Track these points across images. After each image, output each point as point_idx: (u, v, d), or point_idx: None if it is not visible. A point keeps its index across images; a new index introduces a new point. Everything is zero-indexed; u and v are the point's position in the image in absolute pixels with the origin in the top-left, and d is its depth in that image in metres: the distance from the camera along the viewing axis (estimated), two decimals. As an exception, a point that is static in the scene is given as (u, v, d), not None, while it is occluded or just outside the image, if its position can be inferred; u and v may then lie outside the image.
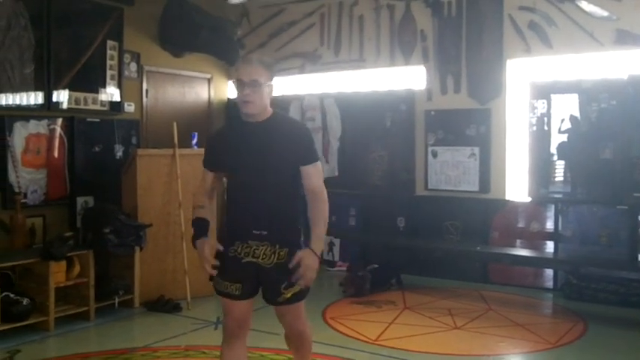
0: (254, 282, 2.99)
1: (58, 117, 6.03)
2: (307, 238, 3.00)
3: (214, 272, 2.97)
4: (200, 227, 3.04)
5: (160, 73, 7.18)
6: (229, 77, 8.07)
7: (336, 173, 7.40)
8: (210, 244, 2.99)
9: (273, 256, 2.95)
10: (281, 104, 7.64)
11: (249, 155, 2.95)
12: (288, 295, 2.95)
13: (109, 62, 6.47)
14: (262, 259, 2.95)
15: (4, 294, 4.76)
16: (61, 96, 6.05)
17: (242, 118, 2.98)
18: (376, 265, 6.38)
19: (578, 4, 6.00)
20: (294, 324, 3.13)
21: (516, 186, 6.44)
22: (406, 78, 7.03)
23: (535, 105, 6.22)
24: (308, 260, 2.89)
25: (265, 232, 2.93)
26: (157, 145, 6.44)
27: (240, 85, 2.90)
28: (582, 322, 5.21)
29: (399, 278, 6.49)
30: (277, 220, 2.95)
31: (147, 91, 7.02)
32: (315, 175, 2.99)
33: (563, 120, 6.08)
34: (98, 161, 6.37)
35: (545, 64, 6.24)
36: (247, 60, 2.99)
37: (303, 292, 2.99)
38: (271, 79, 2.97)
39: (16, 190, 5.60)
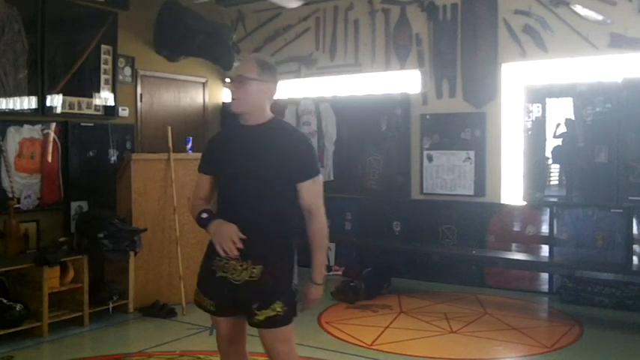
0: (229, 300, 2.75)
1: (52, 122, 6.00)
2: (295, 257, 2.77)
3: (236, 252, 2.63)
4: (208, 212, 2.77)
5: (155, 78, 7.17)
6: (225, 81, 8.06)
7: (332, 177, 7.40)
8: (231, 225, 2.66)
9: (244, 272, 2.69)
10: (277, 109, 7.64)
11: (235, 162, 2.75)
12: (261, 318, 2.68)
13: (103, 67, 6.45)
14: (231, 274, 2.71)
15: (-3, 300, 4.75)
16: (55, 100, 6.03)
17: (240, 121, 2.80)
18: (369, 269, 6.36)
19: (573, 8, 6.01)
20: (272, 352, 2.75)
21: (512, 190, 6.44)
22: (401, 82, 7.03)
23: (530, 109, 6.23)
24: (312, 295, 2.77)
25: (240, 246, 2.65)
26: (151, 149, 6.43)
27: (229, 82, 2.78)
28: (578, 325, 5.21)
29: (389, 282, 6.45)
30: (256, 234, 2.65)
31: (141, 95, 7.01)
32: (310, 193, 2.72)
33: (558, 125, 6.09)
34: (92, 166, 6.34)
35: (540, 68, 6.25)
36: (242, 57, 2.84)
37: (280, 318, 2.68)
38: (265, 77, 2.74)
39: (10, 195, 5.57)
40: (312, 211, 2.74)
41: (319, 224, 2.76)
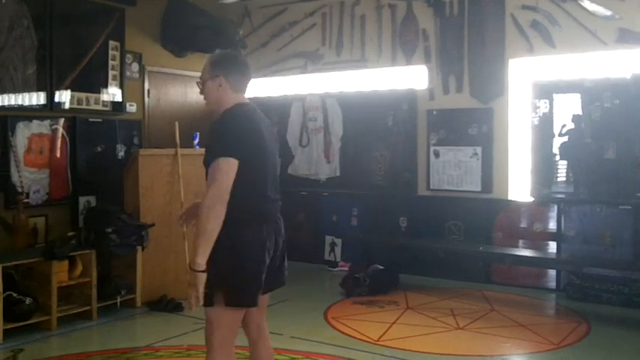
0: None
1: (61, 117, 6.03)
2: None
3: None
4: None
5: (162, 73, 7.18)
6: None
7: (338, 173, 7.42)
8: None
9: None
10: (283, 104, 7.67)
11: None
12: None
13: (110, 62, 6.48)
14: None
15: (6, 293, 4.76)
16: (64, 96, 6.05)
17: None
18: (381, 267, 6.33)
19: (581, 3, 5.98)
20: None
21: (519, 186, 6.42)
22: (408, 78, 7.02)
23: (537, 104, 6.21)
24: (188, 280, 2.59)
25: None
26: (158, 145, 6.44)
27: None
28: (585, 322, 5.19)
29: (397, 284, 6.38)
30: None
31: (149, 91, 7.03)
32: (210, 173, 2.64)
33: (564, 125, 6.07)
34: (100, 161, 6.38)
35: (548, 64, 6.22)
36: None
37: (204, 297, 2.62)
38: (215, 72, 2.82)
39: (19, 190, 5.62)
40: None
41: (203, 206, 2.58)
